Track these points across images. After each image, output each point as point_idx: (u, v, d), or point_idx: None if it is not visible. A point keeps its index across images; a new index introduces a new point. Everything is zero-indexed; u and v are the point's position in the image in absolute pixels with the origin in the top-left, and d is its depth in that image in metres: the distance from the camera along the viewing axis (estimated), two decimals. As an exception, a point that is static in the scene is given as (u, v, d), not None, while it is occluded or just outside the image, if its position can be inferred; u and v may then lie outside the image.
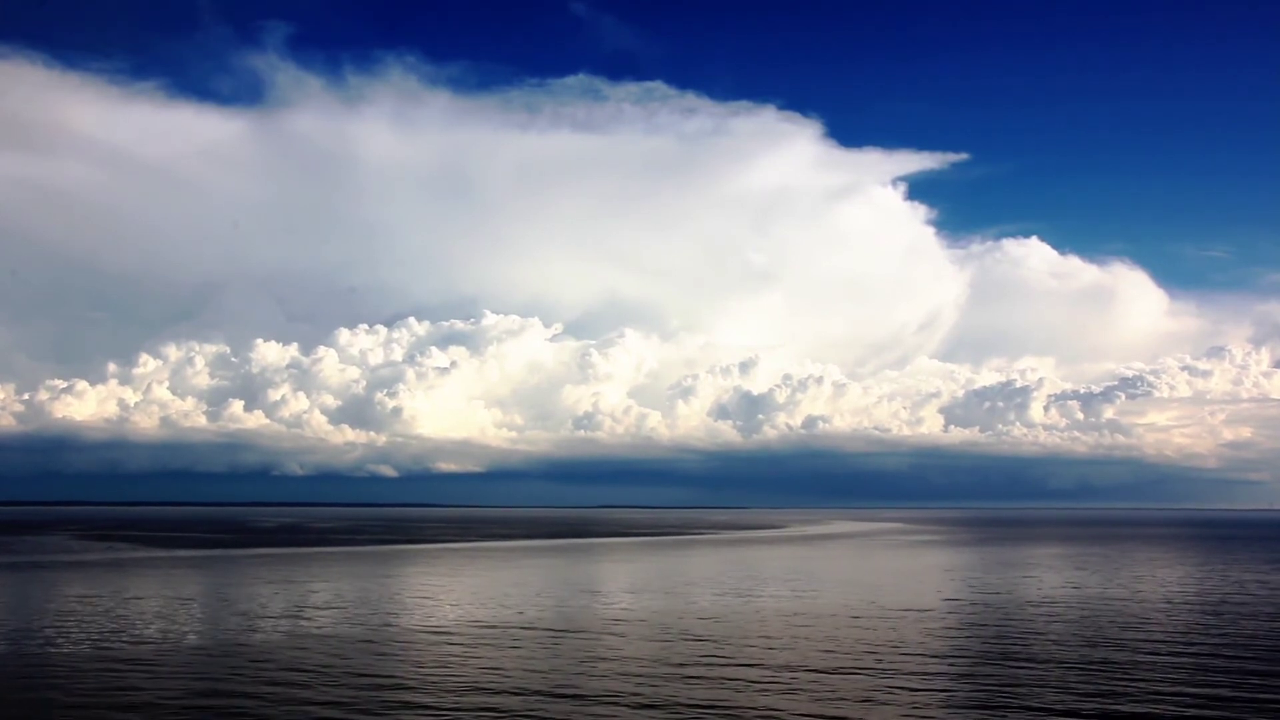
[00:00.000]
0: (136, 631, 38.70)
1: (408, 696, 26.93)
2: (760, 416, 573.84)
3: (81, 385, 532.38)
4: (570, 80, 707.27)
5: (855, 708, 25.63)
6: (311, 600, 49.89)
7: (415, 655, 33.43)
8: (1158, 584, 61.35)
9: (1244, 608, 47.83)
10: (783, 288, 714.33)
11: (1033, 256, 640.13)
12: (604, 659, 32.58)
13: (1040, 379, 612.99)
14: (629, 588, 58.47)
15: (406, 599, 51.02)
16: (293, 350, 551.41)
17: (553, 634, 38.23)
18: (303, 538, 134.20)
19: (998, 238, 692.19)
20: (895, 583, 62.80)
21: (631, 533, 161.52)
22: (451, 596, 52.51)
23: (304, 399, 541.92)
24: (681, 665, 31.37)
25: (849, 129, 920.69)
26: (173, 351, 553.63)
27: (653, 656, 32.92)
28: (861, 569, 77.46)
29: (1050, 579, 65.43)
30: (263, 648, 34.88)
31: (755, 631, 38.97)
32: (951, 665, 31.58)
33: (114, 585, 59.01)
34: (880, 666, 31.14)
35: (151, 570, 72.22)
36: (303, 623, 41.16)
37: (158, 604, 48.31)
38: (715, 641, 36.22)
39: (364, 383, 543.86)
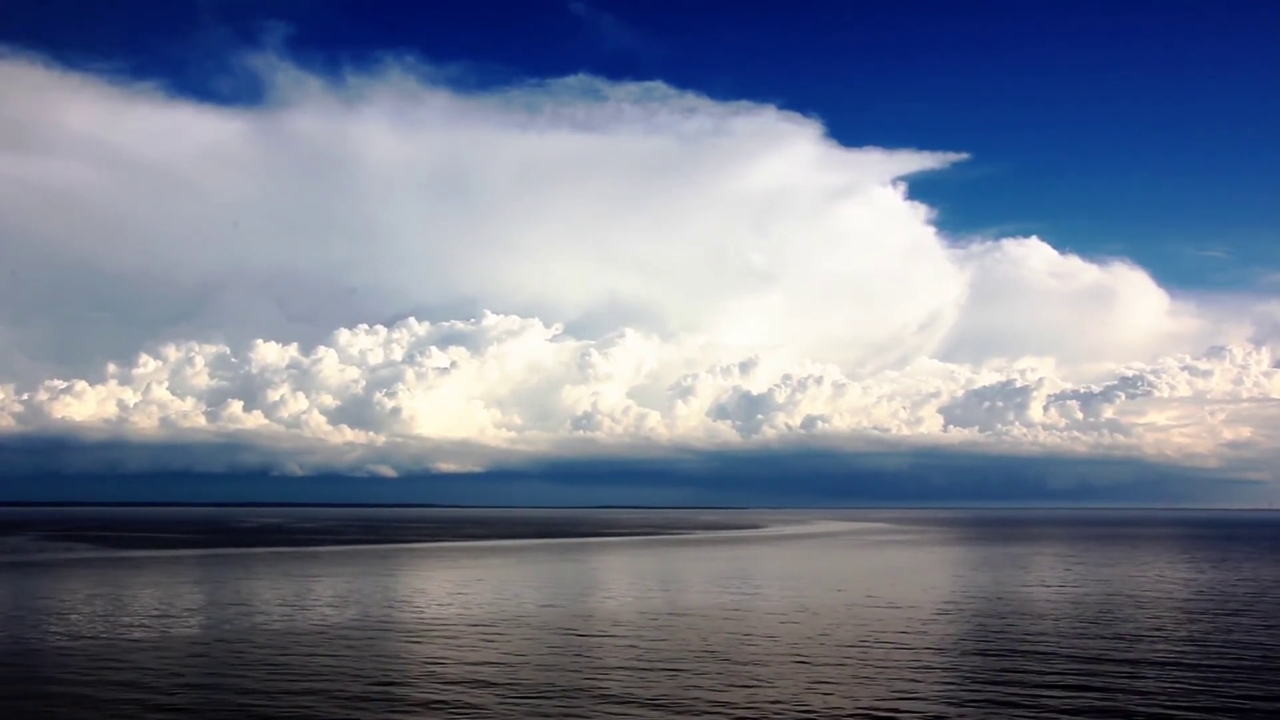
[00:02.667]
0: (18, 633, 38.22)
1: (304, 698, 26.33)
2: (759, 416, 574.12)
3: (81, 385, 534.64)
4: (570, 80, 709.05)
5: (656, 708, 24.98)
6: (225, 598, 49.39)
7: (320, 652, 32.84)
8: (1106, 581, 60.60)
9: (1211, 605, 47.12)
10: (783, 288, 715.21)
11: (1033, 256, 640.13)
12: (430, 657, 31.95)
13: (1040, 379, 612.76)
14: (547, 587, 57.95)
15: (329, 598, 50.41)
16: (292, 350, 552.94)
17: (412, 632, 37.66)
18: (277, 538, 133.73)
19: (998, 237, 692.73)
20: (804, 583, 62.07)
21: (610, 533, 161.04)
22: (380, 595, 51.90)
23: (303, 399, 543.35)
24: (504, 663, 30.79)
25: (849, 129, 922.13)
26: (172, 352, 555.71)
27: (494, 653, 32.34)
28: (796, 569, 76.75)
29: (980, 578, 64.68)
30: (129, 648, 34.33)
31: (614, 630, 38.35)
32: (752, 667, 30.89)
33: (38, 587, 58.50)
34: (700, 666, 30.44)
35: (86, 571, 71.69)
36: (174, 623, 40.63)
37: (61, 605, 47.77)
38: (564, 639, 35.63)
39: (363, 383, 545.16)
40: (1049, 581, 63.20)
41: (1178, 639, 37.06)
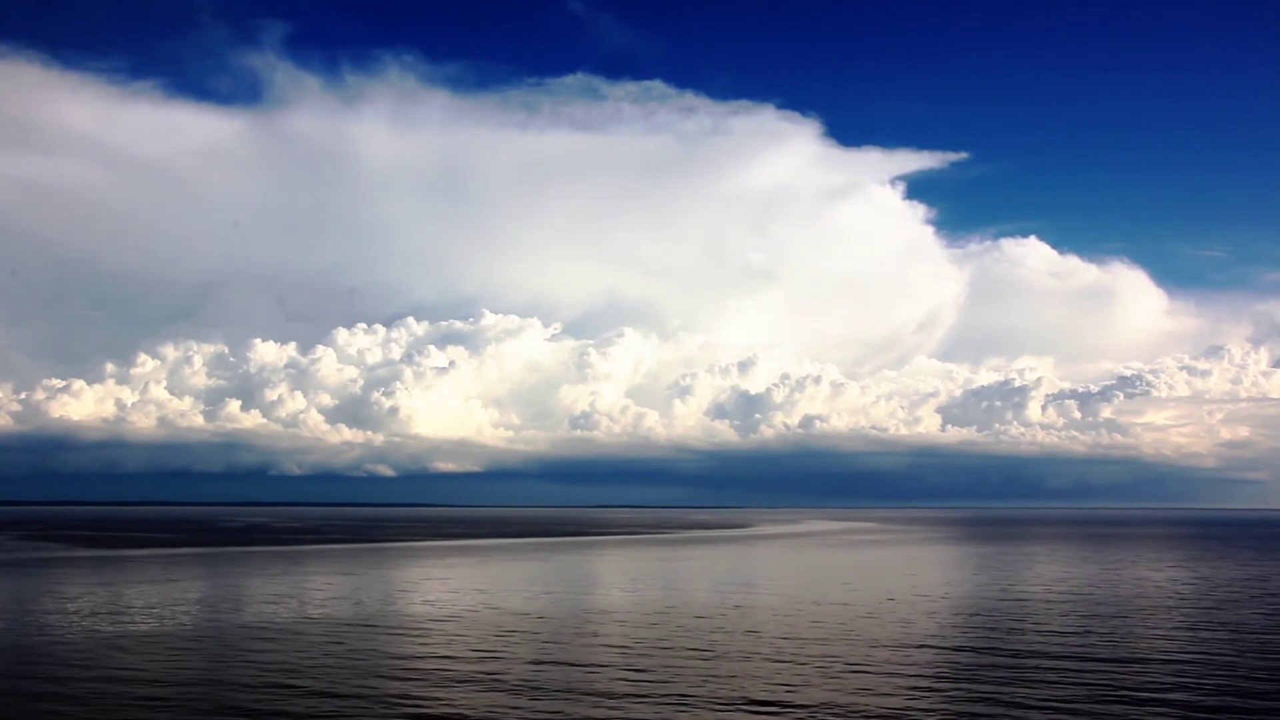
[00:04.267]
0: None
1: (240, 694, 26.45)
2: (757, 416, 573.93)
3: (79, 385, 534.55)
4: (569, 79, 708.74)
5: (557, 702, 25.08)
6: (175, 598, 49.50)
7: (253, 651, 32.97)
8: (1041, 580, 60.64)
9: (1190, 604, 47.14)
10: (782, 287, 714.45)
11: (1031, 256, 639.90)
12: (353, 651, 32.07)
13: (1038, 378, 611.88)
14: (500, 585, 58.07)
15: (277, 596, 50.53)
16: (290, 350, 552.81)
17: (359, 629, 37.74)
18: (258, 538, 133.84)
19: (996, 237, 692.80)
20: (748, 582, 62.16)
21: (594, 532, 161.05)
22: (332, 592, 52.01)
23: (301, 398, 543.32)
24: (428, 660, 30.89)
25: (848, 128, 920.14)
26: (170, 351, 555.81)
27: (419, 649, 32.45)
28: (752, 569, 76.84)
29: (937, 575, 64.76)
30: (71, 647, 34.46)
31: (520, 628, 38.48)
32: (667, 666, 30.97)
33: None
34: (619, 663, 30.53)
35: (45, 570, 71.86)
36: (124, 621, 40.76)
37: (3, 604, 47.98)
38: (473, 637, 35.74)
39: (361, 382, 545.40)
40: (1000, 581, 63.22)
41: (1113, 638, 37.14)
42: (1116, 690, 27.33)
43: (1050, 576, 66.33)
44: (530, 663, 31.51)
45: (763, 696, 26.46)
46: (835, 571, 73.00)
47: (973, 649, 34.21)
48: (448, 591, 55.07)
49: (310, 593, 53.74)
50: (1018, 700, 25.98)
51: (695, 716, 24.45)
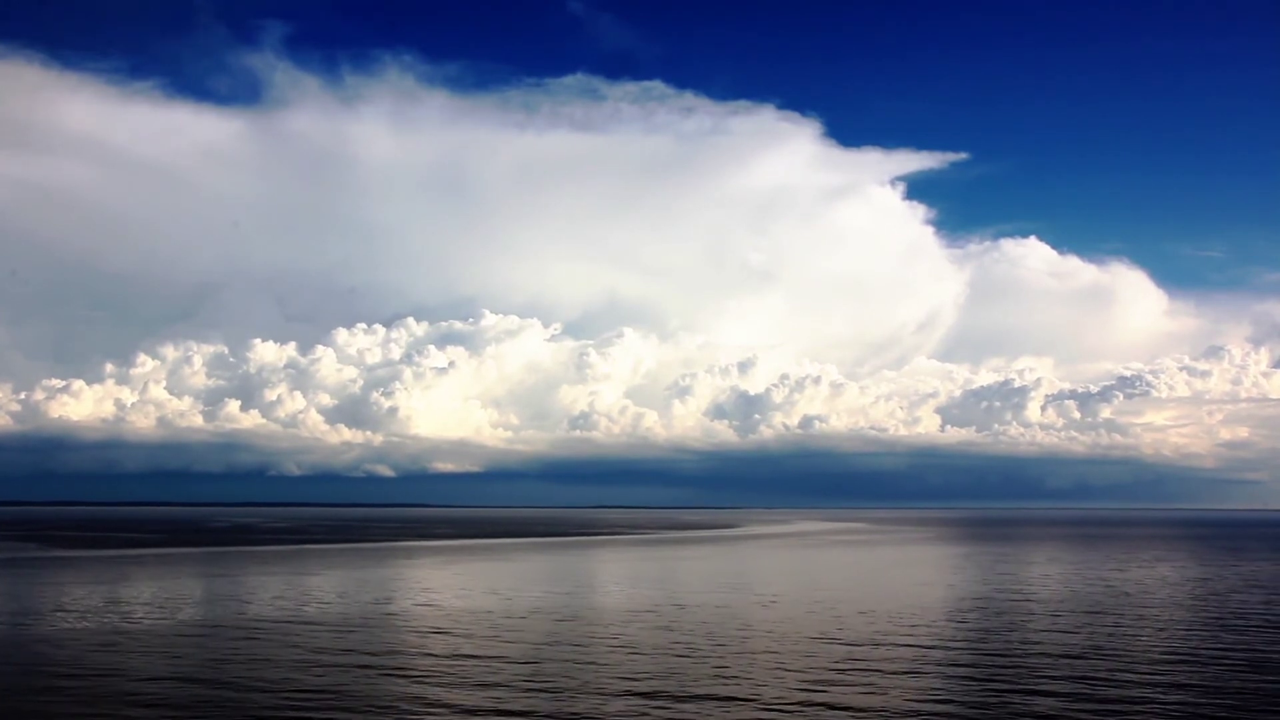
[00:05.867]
0: None
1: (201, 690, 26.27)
2: (757, 416, 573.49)
3: (78, 385, 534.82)
4: (568, 80, 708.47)
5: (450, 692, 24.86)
6: (134, 598, 49.36)
7: (213, 650, 32.77)
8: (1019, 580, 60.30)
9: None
10: (782, 287, 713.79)
11: (1031, 256, 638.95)
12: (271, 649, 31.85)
13: (1038, 379, 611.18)
14: (450, 586, 57.95)
15: (234, 596, 50.38)
16: (290, 350, 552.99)
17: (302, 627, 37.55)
18: (239, 538, 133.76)
19: (996, 237, 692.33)
20: (707, 581, 61.94)
21: (581, 532, 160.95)
22: (292, 593, 51.85)
23: (300, 399, 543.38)
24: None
25: (848, 128, 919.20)
26: (170, 351, 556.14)
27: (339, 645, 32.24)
28: (714, 568, 76.63)
29: (901, 576, 64.50)
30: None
31: (449, 626, 38.28)
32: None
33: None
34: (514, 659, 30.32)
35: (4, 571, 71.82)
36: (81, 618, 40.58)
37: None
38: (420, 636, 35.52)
39: (361, 382, 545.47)
40: (953, 581, 62.94)
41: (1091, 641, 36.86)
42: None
43: (987, 577, 66.07)
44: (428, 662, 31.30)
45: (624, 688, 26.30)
46: (802, 572, 72.75)
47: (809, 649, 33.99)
48: (386, 593, 54.89)
49: (262, 593, 53.59)
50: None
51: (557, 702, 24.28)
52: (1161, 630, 39.46)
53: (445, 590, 56.41)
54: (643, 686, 27.79)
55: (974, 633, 38.65)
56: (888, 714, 24.63)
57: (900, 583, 62.33)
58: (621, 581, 63.23)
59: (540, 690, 27.27)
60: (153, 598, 51.13)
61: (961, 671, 30.27)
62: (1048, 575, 68.15)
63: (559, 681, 28.44)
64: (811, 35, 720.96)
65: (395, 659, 32.49)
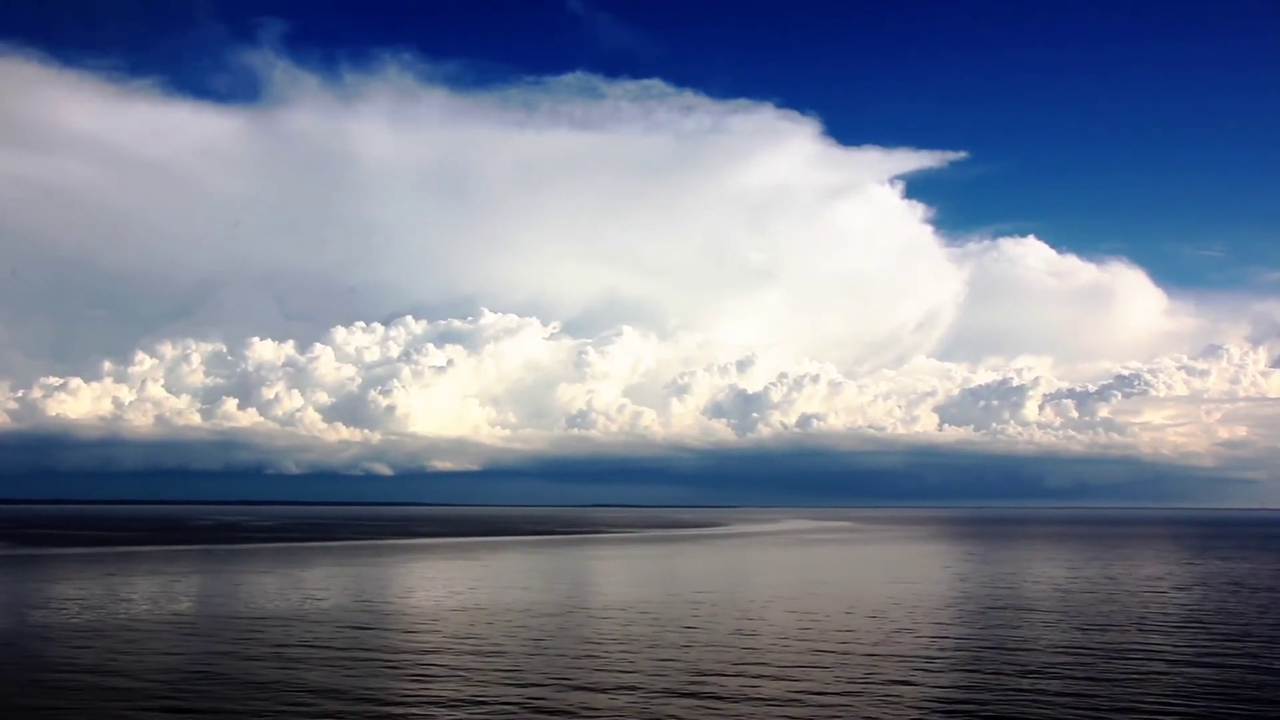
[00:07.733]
0: None
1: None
2: (755, 415, 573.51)
3: (76, 383, 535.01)
4: (568, 78, 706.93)
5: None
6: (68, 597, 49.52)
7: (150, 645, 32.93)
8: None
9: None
10: (781, 286, 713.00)
11: (1030, 255, 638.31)
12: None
13: (1036, 378, 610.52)
14: (419, 585, 58.08)
15: (200, 593, 50.53)
16: (288, 348, 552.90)
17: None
18: (219, 535, 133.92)
19: (995, 236, 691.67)
20: (658, 580, 62.04)
21: (570, 531, 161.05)
22: (245, 590, 52.01)
23: (298, 397, 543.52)
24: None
25: (847, 127, 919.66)
26: (168, 349, 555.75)
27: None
28: (675, 567, 76.71)
29: (861, 574, 64.52)
30: None
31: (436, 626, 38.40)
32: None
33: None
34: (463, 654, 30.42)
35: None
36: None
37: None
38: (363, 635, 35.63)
39: (359, 381, 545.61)
40: (911, 578, 62.98)
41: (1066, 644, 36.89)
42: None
43: (948, 576, 66.10)
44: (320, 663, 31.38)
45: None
46: (719, 572, 72.78)
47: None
48: (336, 590, 55.02)
49: (236, 589, 53.72)
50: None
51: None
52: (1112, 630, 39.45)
53: (397, 589, 56.51)
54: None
55: (869, 632, 38.67)
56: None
57: (846, 581, 62.29)
58: (565, 581, 63.24)
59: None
60: (108, 595, 51.26)
61: (829, 672, 30.31)
62: (1014, 572, 68.13)
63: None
64: (811, 35, 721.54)
65: (353, 653, 32.56)
